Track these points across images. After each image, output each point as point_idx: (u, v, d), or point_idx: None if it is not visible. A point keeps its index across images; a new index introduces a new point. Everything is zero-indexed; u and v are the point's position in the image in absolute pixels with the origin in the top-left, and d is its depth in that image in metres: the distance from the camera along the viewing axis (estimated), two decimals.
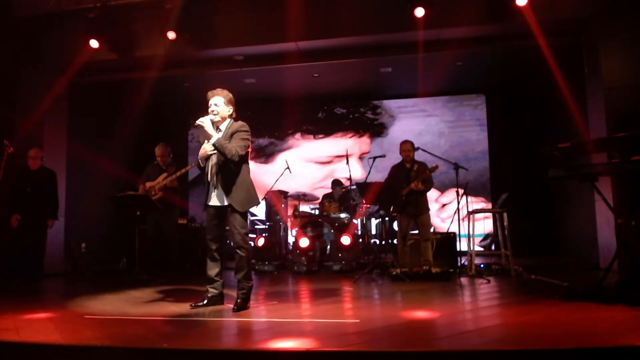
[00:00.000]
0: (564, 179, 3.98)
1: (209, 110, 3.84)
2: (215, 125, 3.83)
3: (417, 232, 5.95)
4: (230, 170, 3.80)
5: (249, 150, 3.92)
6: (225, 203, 3.80)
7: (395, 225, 8.38)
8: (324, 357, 2.51)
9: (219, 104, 3.84)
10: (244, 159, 3.84)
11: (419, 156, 6.11)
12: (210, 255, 3.89)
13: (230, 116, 3.92)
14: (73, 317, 3.58)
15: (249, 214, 3.98)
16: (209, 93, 3.88)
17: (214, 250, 3.88)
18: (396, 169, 6.02)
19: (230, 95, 3.92)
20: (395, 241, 6.40)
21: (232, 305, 3.79)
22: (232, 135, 3.81)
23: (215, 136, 3.72)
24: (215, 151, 3.76)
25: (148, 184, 5.97)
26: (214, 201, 3.85)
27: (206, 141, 3.82)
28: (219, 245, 3.92)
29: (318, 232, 7.03)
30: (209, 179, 3.85)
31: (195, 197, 9.77)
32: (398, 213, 5.92)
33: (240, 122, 3.90)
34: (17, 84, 6.75)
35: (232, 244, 3.92)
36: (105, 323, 3.32)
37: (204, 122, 3.74)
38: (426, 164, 5.95)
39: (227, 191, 3.78)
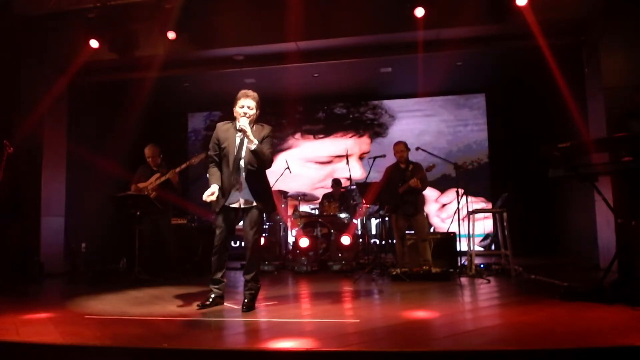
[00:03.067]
0: (564, 179, 3.98)
1: (240, 111, 3.80)
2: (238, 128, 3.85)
3: (413, 232, 5.95)
4: (260, 174, 3.87)
5: None
6: (247, 205, 3.81)
7: None
8: (324, 357, 2.51)
9: (252, 107, 3.84)
10: None
11: (419, 156, 6.11)
12: (217, 256, 3.87)
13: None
14: (73, 317, 3.59)
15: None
16: (241, 93, 3.86)
17: (223, 251, 3.88)
18: (391, 170, 6.01)
19: (259, 98, 3.93)
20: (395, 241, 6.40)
21: (232, 305, 3.79)
22: (262, 140, 3.82)
23: (255, 142, 3.73)
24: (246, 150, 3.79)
25: (141, 185, 5.97)
26: (234, 202, 3.83)
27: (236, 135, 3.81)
28: (228, 247, 3.93)
29: (319, 231, 7.03)
30: (233, 180, 3.80)
31: (195, 197, 9.77)
32: (393, 213, 5.92)
33: (269, 127, 3.91)
34: (17, 83, 6.75)
35: (245, 245, 3.90)
36: (105, 323, 3.33)
37: (247, 127, 3.72)
38: (421, 164, 5.95)
39: (256, 194, 3.82)
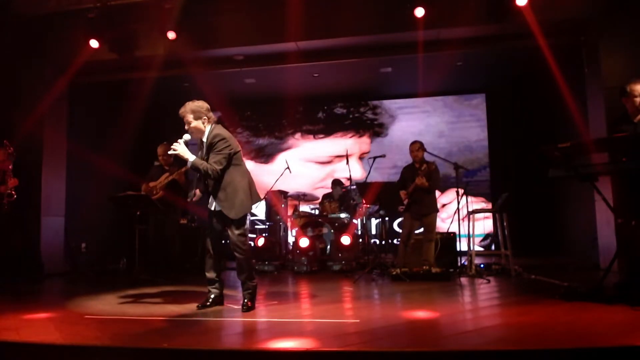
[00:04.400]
0: (564, 179, 3.98)
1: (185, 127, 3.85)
2: (198, 138, 3.87)
3: (421, 231, 5.92)
4: (218, 181, 3.81)
5: (238, 150, 3.89)
6: (219, 209, 3.83)
7: (395, 225, 8.40)
8: (324, 357, 2.51)
9: (190, 120, 3.83)
10: (229, 166, 3.80)
11: None
12: (209, 256, 3.91)
13: (209, 122, 3.87)
14: (73, 317, 3.59)
15: (248, 215, 3.99)
16: (179, 112, 3.88)
17: (214, 252, 3.90)
18: (406, 170, 6.01)
19: (197, 104, 3.84)
20: (395, 241, 6.39)
21: (232, 305, 3.79)
22: (211, 146, 3.81)
23: (190, 159, 3.72)
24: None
25: (151, 184, 6.01)
26: (212, 205, 3.89)
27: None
28: (220, 247, 3.93)
29: (318, 232, 7.03)
30: (204, 187, 3.92)
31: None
32: (405, 212, 5.89)
33: (214, 133, 3.82)
34: (17, 83, 6.74)
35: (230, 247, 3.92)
36: (105, 323, 3.33)
37: (177, 148, 3.73)
38: (433, 163, 5.90)
39: (218, 199, 3.81)
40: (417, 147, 5.89)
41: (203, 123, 3.84)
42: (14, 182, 5.57)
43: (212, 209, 3.89)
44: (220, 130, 3.85)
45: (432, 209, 5.79)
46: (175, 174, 5.92)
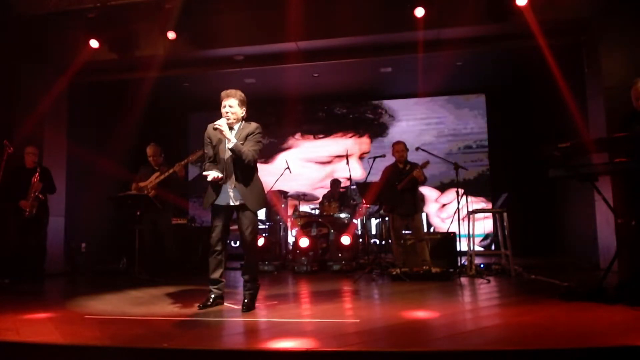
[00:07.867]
0: (563, 179, 3.98)
1: (223, 111, 3.81)
2: (229, 125, 3.80)
3: (410, 232, 5.94)
4: (246, 171, 3.80)
5: None
6: (237, 203, 3.78)
7: None
8: (324, 357, 2.51)
9: (234, 105, 3.81)
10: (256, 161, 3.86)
11: (419, 156, 6.11)
12: (214, 256, 3.85)
13: (242, 117, 3.90)
14: (73, 317, 3.58)
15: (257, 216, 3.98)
16: (223, 94, 3.85)
17: (220, 251, 3.85)
18: (390, 170, 6.01)
19: (244, 96, 3.90)
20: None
21: (232, 305, 3.79)
22: (246, 136, 3.81)
23: (233, 141, 3.72)
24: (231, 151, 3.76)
25: (141, 184, 5.97)
26: (224, 200, 3.81)
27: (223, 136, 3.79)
28: (224, 246, 3.89)
29: (318, 231, 7.04)
30: (224, 178, 3.80)
31: (195, 197, 9.78)
32: (390, 212, 5.92)
33: (255, 124, 3.89)
34: (17, 83, 6.75)
35: (241, 245, 3.89)
36: (105, 323, 3.32)
37: (223, 125, 3.72)
38: (417, 163, 5.94)
39: (243, 191, 3.78)
40: (402, 147, 5.95)
41: (242, 113, 3.88)
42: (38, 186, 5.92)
43: (226, 203, 3.81)
44: None
45: (418, 209, 5.86)
46: (176, 166, 5.85)
